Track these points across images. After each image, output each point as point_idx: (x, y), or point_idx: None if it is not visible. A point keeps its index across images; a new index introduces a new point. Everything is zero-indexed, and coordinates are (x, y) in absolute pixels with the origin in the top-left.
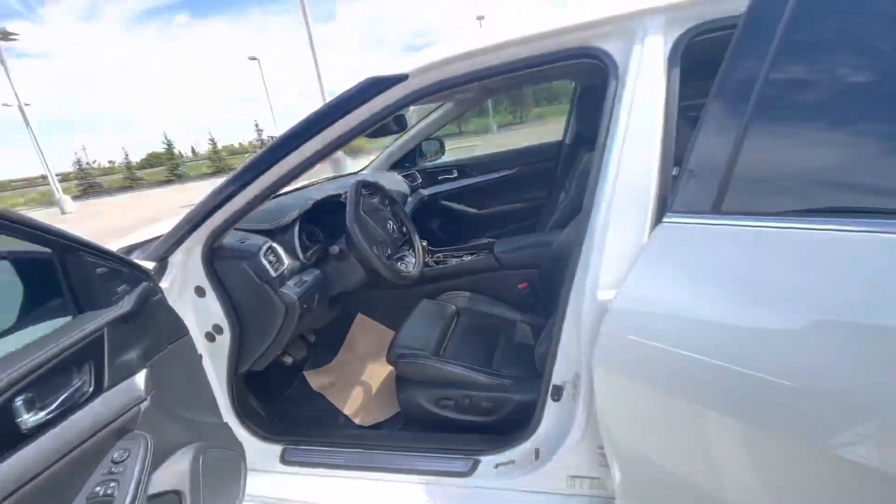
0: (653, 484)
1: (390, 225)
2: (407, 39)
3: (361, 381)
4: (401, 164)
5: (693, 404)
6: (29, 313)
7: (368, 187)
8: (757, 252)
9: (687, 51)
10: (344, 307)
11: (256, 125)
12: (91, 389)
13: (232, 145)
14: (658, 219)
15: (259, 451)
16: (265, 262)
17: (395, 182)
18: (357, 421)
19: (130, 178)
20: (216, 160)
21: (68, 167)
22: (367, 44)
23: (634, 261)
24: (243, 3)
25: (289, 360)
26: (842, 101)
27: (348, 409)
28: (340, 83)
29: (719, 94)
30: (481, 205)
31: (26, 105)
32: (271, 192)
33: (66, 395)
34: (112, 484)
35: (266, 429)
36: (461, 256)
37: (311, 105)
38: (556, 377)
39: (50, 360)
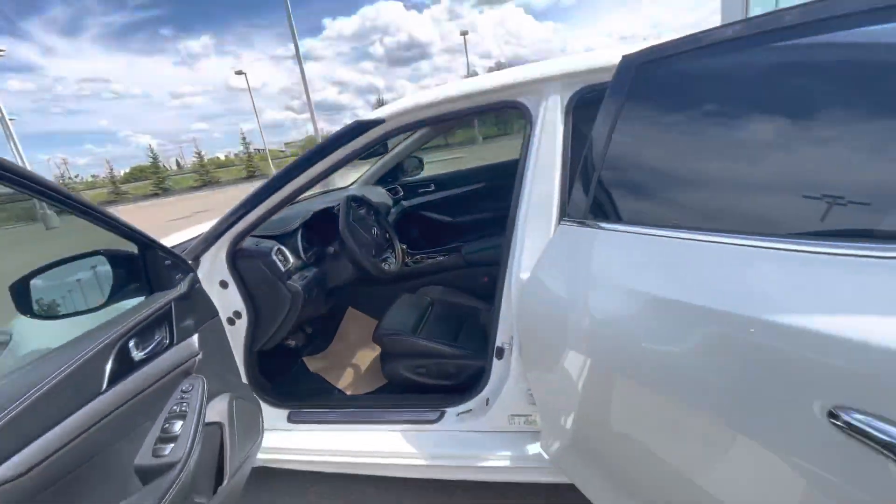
0: (556, 413)
1: (375, 231)
2: (393, 53)
3: (352, 364)
4: (385, 178)
5: (572, 352)
6: (118, 292)
7: (357, 201)
8: (607, 246)
9: (576, 105)
10: (337, 303)
11: (243, 137)
12: (167, 343)
13: (218, 158)
14: (559, 221)
15: (270, 414)
16: (276, 261)
17: (380, 195)
18: (349, 392)
19: (115, 192)
20: (203, 173)
21: None
22: (353, 56)
23: (542, 251)
24: (228, 18)
25: (292, 343)
26: (666, 144)
27: (341, 384)
28: (327, 95)
29: (591, 137)
30: (455, 214)
31: (11, 119)
32: (280, 207)
33: (154, 344)
34: (184, 405)
35: (275, 397)
36: (435, 257)
37: (299, 117)
38: (499, 340)
39: (144, 320)
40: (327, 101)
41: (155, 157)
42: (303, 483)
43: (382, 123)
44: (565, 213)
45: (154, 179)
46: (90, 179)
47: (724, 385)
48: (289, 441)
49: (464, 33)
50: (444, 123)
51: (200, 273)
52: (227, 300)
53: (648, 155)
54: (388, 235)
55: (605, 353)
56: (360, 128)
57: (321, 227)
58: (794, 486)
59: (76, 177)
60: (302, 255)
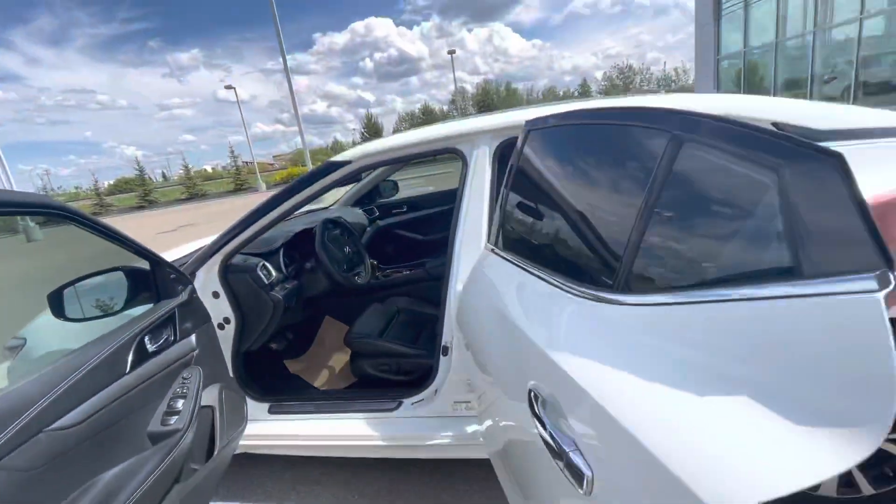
0: (484, 396)
1: (347, 249)
2: (383, 68)
3: (328, 366)
4: (363, 200)
5: (473, 345)
6: (132, 300)
7: (332, 223)
8: (491, 267)
9: (501, 152)
10: (316, 312)
11: (231, 151)
12: (172, 339)
13: (205, 170)
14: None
15: (253, 406)
16: (260, 274)
17: (356, 216)
18: (323, 389)
19: (99, 204)
20: (190, 186)
21: None
22: (344, 71)
23: (471, 268)
24: (218, 31)
25: (275, 346)
26: (525, 193)
27: (317, 383)
28: (317, 108)
29: (504, 182)
30: (425, 232)
31: None
32: (265, 230)
33: (163, 340)
34: (185, 388)
35: (258, 392)
36: (402, 271)
37: (288, 130)
38: (444, 340)
39: (156, 321)
40: (317, 114)
41: (141, 169)
42: (282, 468)
43: (350, 164)
44: (489, 240)
45: (140, 191)
46: (73, 191)
47: (509, 363)
48: (269, 430)
49: (451, 52)
50: (400, 163)
51: (196, 285)
52: (218, 308)
53: (519, 200)
54: (359, 252)
55: (476, 344)
56: (331, 167)
57: (301, 245)
58: (517, 420)
59: (59, 188)
60: (283, 269)
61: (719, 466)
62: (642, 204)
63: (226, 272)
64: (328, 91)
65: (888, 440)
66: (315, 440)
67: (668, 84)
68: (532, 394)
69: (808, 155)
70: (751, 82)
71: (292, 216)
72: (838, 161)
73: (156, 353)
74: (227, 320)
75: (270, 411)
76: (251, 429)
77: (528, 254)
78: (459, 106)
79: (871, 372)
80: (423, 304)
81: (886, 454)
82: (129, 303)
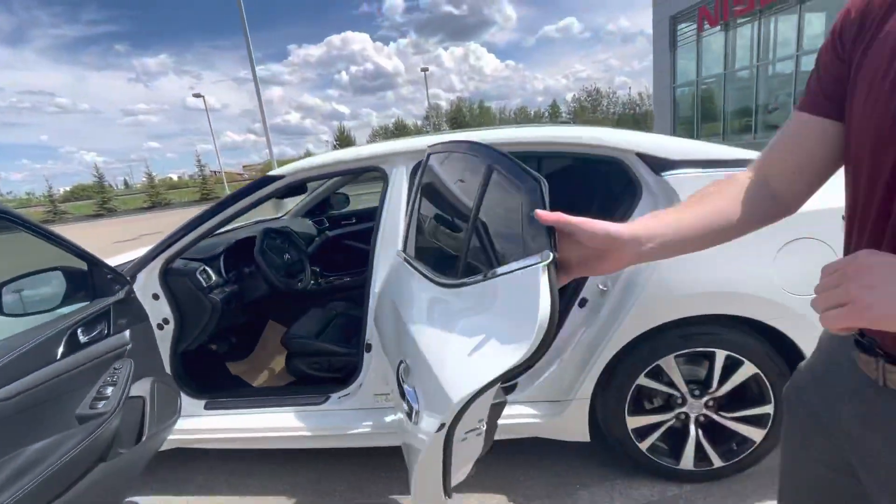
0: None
1: (286, 256)
2: (359, 82)
3: (269, 367)
4: (314, 211)
5: (385, 337)
6: (69, 296)
7: (272, 231)
8: (402, 271)
9: (415, 172)
10: (259, 316)
11: (198, 159)
12: (106, 333)
13: (171, 178)
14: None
15: (189, 402)
16: (200, 278)
17: (305, 226)
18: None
19: (53, 211)
20: (152, 194)
21: None
22: (319, 83)
23: (387, 271)
24: (188, 38)
25: (215, 347)
26: (431, 207)
27: (257, 383)
28: (291, 120)
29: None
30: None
31: None
32: (203, 237)
33: (96, 332)
34: (116, 377)
35: (195, 389)
36: (343, 278)
37: (260, 140)
38: (367, 338)
39: (88, 315)
40: (291, 125)
41: (100, 176)
42: (217, 462)
43: (284, 178)
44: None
45: (98, 199)
46: (24, 197)
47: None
48: (205, 424)
49: (424, 70)
50: (328, 178)
51: (137, 286)
52: (158, 309)
53: (418, 212)
54: (300, 259)
55: (383, 338)
56: (266, 180)
57: (243, 252)
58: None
59: (9, 193)
60: (223, 274)
61: (458, 376)
62: (472, 215)
63: (166, 275)
64: (302, 102)
65: (733, 418)
66: (248, 433)
67: (633, 108)
68: (400, 366)
69: (531, 179)
70: (704, 109)
71: (241, 226)
72: (539, 183)
73: (88, 345)
74: (166, 321)
75: (206, 407)
76: (187, 423)
77: (419, 255)
78: (433, 122)
79: (531, 311)
80: (360, 308)
81: (732, 432)
82: (67, 299)
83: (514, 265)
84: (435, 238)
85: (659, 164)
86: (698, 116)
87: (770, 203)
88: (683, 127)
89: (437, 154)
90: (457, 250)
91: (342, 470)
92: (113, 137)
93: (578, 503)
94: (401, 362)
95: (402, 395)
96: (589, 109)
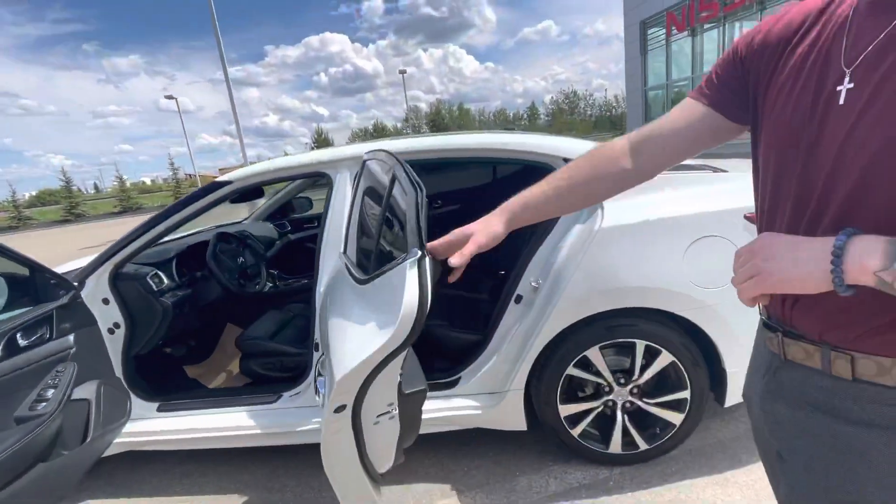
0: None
1: (241, 260)
2: (338, 83)
3: (227, 370)
4: (275, 215)
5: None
6: (11, 302)
7: (225, 235)
8: (340, 272)
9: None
10: (217, 319)
11: (171, 163)
12: (48, 337)
13: (144, 182)
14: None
15: (142, 406)
16: (150, 282)
17: (266, 230)
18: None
19: (17, 217)
20: (123, 198)
21: None
22: (297, 84)
23: (332, 269)
24: (161, 37)
25: (168, 350)
26: (361, 210)
27: (213, 385)
28: (269, 122)
29: (352, 201)
30: None
31: None
32: (152, 243)
33: (36, 337)
34: (57, 380)
35: (148, 392)
36: (300, 280)
37: (236, 142)
38: (315, 337)
39: (28, 320)
40: (269, 127)
41: (67, 180)
42: (171, 463)
43: (232, 183)
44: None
45: (65, 204)
46: None
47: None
48: (158, 427)
49: (402, 72)
50: (276, 183)
51: (86, 291)
52: (109, 314)
53: (355, 214)
54: (256, 263)
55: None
56: (213, 186)
57: (197, 256)
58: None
59: None
60: (176, 278)
61: (344, 361)
62: (380, 218)
63: (115, 280)
64: (281, 104)
65: (655, 404)
66: (201, 434)
67: (609, 110)
68: (320, 359)
69: (412, 188)
70: None
71: (200, 230)
72: (417, 192)
73: (28, 348)
74: (116, 325)
75: (159, 409)
76: (138, 426)
77: (352, 256)
78: (413, 124)
79: (398, 301)
80: None
81: (655, 417)
82: (8, 305)
83: (393, 262)
84: (363, 239)
85: None
86: None
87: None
88: None
89: (370, 161)
90: (372, 250)
91: (294, 467)
92: (82, 140)
93: (517, 488)
94: (321, 356)
95: (316, 389)
96: (567, 112)
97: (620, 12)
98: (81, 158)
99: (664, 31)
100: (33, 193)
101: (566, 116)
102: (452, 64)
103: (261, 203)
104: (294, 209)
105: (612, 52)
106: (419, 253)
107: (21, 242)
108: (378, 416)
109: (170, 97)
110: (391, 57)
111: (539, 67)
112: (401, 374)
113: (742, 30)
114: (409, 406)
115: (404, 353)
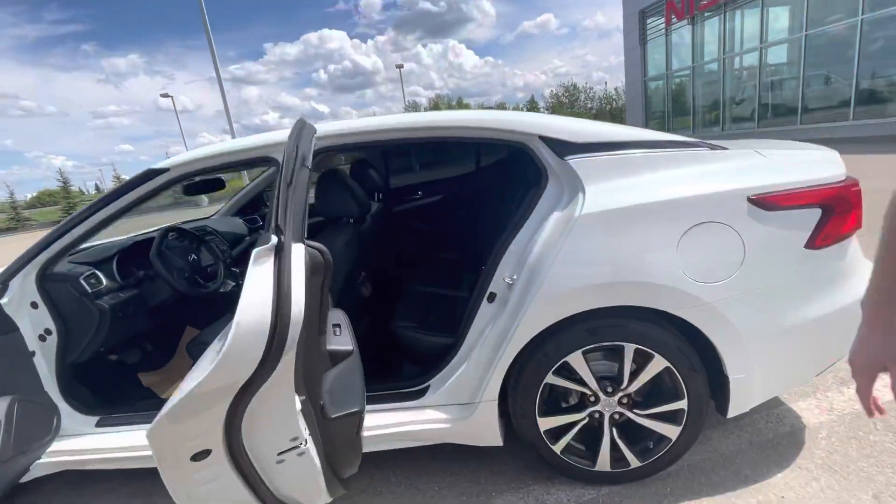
0: None
1: (192, 257)
2: (338, 80)
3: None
4: (246, 210)
5: None
6: None
7: (174, 231)
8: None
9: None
10: (174, 322)
11: None
12: None
13: None
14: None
15: (80, 420)
16: (84, 284)
17: (233, 225)
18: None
19: (15, 218)
20: None
21: None
22: (297, 82)
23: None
24: (159, 37)
25: (115, 357)
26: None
27: (165, 395)
28: (269, 119)
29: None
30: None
31: None
32: (83, 239)
33: None
34: None
35: (87, 405)
36: None
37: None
38: None
39: None
40: (269, 125)
41: (65, 180)
42: (119, 483)
43: (168, 171)
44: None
45: (64, 205)
46: None
47: None
48: (97, 443)
49: (399, 66)
50: (218, 172)
51: (9, 295)
52: (38, 319)
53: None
54: (215, 261)
55: None
56: (148, 175)
57: (143, 254)
58: None
59: None
60: (117, 277)
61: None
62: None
63: (44, 281)
64: (281, 102)
65: (648, 416)
66: (141, 451)
67: (609, 102)
68: None
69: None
70: (675, 101)
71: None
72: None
73: None
74: (48, 331)
75: (99, 424)
76: (73, 443)
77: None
78: None
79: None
80: None
81: (648, 430)
82: None
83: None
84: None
85: (562, 148)
86: (669, 109)
87: None
88: (655, 121)
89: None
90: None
91: None
92: (83, 141)
93: None
94: None
95: None
96: (567, 104)
97: (619, 3)
98: (82, 159)
99: (664, 20)
100: (34, 194)
101: (566, 109)
102: (452, 59)
103: (235, 199)
104: (266, 203)
105: (612, 45)
106: (274, 240)
107: (17, 245)
108: (281, 454)
109: (166, 96)
110: (390, 53)
111: (539, 61)
112: (326, 395)
113: (743, 19)
114: (341, 431)
115: (276, 378)
